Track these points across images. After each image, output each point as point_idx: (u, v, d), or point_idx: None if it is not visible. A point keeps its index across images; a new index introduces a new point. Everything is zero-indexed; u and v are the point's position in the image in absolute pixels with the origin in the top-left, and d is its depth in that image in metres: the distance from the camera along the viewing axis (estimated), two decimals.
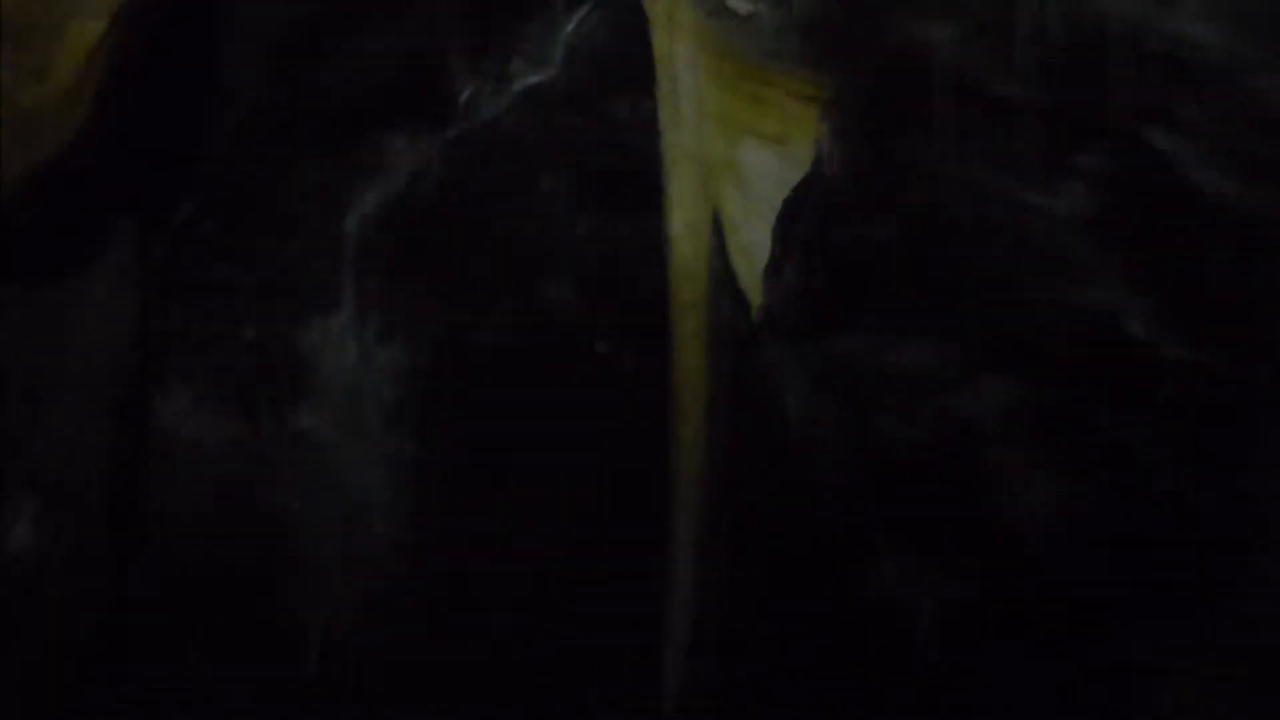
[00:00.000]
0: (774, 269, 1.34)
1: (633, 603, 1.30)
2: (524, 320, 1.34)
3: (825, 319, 1.34)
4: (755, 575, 1.32)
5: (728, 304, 1.34)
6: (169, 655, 1.32)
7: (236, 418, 1.33)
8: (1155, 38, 1.34)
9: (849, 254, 1.34)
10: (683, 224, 1.33)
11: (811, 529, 1.32)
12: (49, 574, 1.30)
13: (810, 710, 1.31)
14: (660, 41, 1.36)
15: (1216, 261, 1.33)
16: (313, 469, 1.32)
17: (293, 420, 1.33)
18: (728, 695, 1.30)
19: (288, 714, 1.30)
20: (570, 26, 1.38)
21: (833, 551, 1.31)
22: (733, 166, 1.36)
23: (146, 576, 1.32)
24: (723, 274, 1.34)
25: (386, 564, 1.31)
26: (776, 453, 1.32)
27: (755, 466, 1.32)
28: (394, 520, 1.32)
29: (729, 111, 1.37)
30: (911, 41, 1.35)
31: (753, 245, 1.35)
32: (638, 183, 1.34)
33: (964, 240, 1.34)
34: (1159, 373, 1.30)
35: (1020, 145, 1.34)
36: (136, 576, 1.32)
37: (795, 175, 1.36)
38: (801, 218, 1.35)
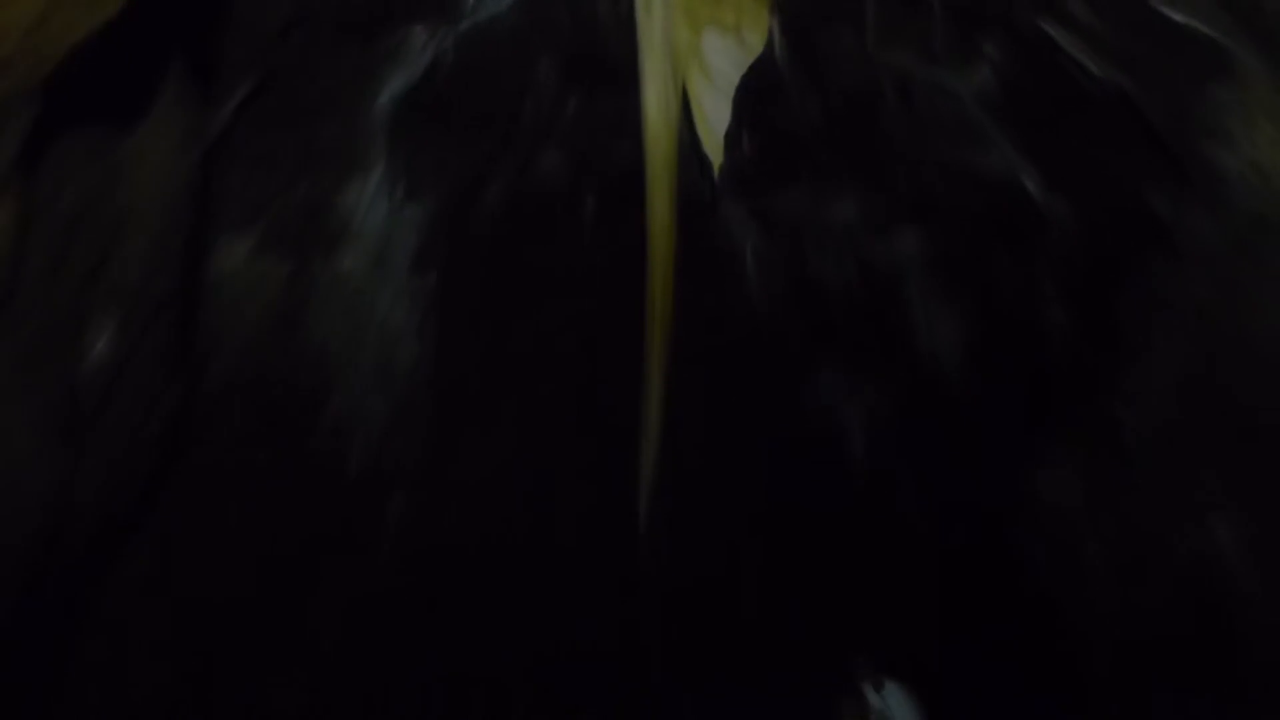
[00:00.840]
0: (732, 138, 1.48)
1: (613, 416, 1.43)
2: (524, 181, 1.48)
3: (773, 179, 1.48)
4: (715, 393, 1.46)
5: (694, 167, 1.47)
6: (228, 458, 1.44)
7: (289, 261, 1.47)
8: None
9: (792, 124, 1.48)
10: (655, 101, 1.43)
11: (760, 354, 1.47)
12: (125, 382, 1.39)
13: (761, 503, 1.47)
14: None
15: (1095, 134, 1.48)
16: (352, 303, 1.46)
17: (335, 263, 1.47)
18: (693, 497, 1.43)
19: (332, 506, 1.43)
20: None
21: (777, 372, 1.46)
22: (697, 52, 1.49)
23: (211, 392, 1.44)
24: (689, 142, 1.47)
25: (413, 381, 1.45)
26: (733, 290, 1.46)
27: (716, 301, 1.46)
28: (420, 345, 1.46)
29: (693, 5, 1.49)
30: None
31: (714, 118, 1.48)
32: (617, 66, 1.46)
33: (887, 115, 1.48)
34: (1046, 224, 1.46)
35: (936, 34, 1.48)
36: (202, 391, 1.44)
37: (749, 59, 1.50)
38: (754, 95, 1.49)
